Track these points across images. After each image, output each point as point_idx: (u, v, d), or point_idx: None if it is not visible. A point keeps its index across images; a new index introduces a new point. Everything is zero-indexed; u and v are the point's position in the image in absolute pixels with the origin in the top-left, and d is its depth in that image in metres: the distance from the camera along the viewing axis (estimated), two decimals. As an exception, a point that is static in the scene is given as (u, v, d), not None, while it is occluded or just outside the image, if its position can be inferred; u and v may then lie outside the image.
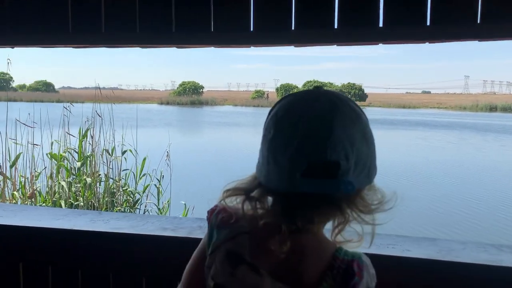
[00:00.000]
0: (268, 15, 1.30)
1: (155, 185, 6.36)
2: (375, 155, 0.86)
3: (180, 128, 27.01)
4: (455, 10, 1.17)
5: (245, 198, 0.87)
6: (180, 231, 1.37)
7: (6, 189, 5.85)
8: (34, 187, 6.07)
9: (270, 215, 0.85)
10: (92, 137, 6.55)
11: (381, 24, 1.22)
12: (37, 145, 6.32)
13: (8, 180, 5.87)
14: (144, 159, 6.50)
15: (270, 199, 0.87)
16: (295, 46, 1.32)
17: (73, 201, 6.07)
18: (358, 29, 1.22)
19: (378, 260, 1.18)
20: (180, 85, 78.40)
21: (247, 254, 0.87)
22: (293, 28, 1.25)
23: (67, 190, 6.09)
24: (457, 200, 9.32)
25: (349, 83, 79.76)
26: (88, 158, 6.46)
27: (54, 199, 6.04)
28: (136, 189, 6.48)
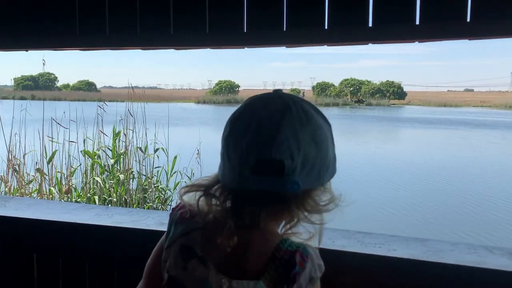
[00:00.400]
0: (261, 15, 1.32)
1: (185, 182, 6.50)
2: (330, 157, 0.89)
3: (214, 126, 27.30)
4: (445, 9, 1.15)
5: (201, 195, 0.91)
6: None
7: (44, 184, 6.13)
8: (70, 183, 6.31)
9: (221, 211, 0.89)
10: (125, 135, 6.78)
11: (370, 24, 1.23)
12: (73, 142, 6.59)
13: (45, 176, 6.15)
14: (175, 157, 6.64)
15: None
16: (286, 47, 1.35)
17: (106, 197, 6.27)
18: (348, 28, 1.23)
19: (362, 258, 1.20)
20: (217, 84, 79.37)
21: (198, 248, 0.91)
22: (284, 29, 1.27)
23: (101, 186, 6.30)
24: (493, 203, 8.95)
25: (387, 81, 78.05)
26: (122, 156, 6.67)
27: (88, 194, 6.26)
28: (167, 186, 6.64)
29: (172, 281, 0.92)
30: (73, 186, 6.40)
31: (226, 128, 0.90)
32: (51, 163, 6.26)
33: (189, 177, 6.51)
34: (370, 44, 1.25)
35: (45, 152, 6.27)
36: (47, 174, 6.21)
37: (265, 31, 1.29)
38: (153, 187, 6.58)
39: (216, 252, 0.89)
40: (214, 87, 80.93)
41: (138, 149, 6.65)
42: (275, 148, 0.81)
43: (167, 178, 6.67)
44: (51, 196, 6.07)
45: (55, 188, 6.14)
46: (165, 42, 1.37)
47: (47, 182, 6.22)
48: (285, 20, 1.28)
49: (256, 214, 0.86)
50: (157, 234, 1.37)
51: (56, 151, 6.34)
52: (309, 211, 0.87)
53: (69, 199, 6.10)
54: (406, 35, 1.20)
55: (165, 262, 0.95)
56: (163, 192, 6.60)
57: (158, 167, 6.73)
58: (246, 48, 1.39)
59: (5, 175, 5.90)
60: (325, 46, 1.29)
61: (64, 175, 6.38)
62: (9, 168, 5.91)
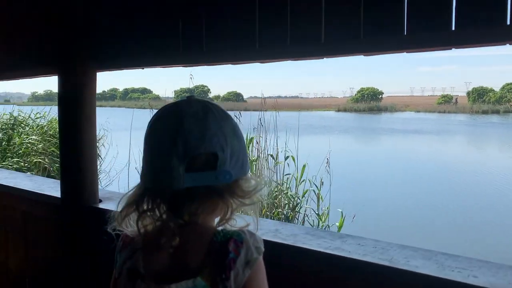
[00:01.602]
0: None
1: (313, 191, 6.54)
2: (246, 149, 0.97)
3: (353, 134, 26.73)
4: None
5: (138, 216, 0.93)
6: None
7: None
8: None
9: (160, 218, 0.91)
10: (257, 143, 7.12)
11: (453, 28, 1.13)
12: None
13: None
14: (304, 165, 6.72)
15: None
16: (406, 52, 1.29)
17: (239, 200, 6.65)
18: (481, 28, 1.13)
19: (430, 281, 1.10)
20: (358, 91, 77.62)
21: (141, 267, 0.93)
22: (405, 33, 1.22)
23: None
24: None
25: (562, 84, 66.60)
26: (254, 162, 7.02)
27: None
28: (296, 193, 6.75)
29: None
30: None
31: (150, 133, 0.93)
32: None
33: (317, 186, 6.52)
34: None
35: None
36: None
37: (381, 37, 1.25)
38: (282, 193, 6.74)
39: (156, 264, 0.92)
40: (355, 94, 79.32)
41: (270, 156, 6.93)
42: (207, 142, 0.87)
43: (296, 186, 6.78)
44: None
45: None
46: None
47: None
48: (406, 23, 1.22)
49: (193, 211, 0.89)
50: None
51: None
52: (241, 196, 0.92)
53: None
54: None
55: None
56: (292, 199, 6.72)
57: (288, 174, 6.87)
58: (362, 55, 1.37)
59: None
60: (452, 49, 1.21)
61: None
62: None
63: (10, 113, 9.70)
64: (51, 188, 2.27)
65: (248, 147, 7.07)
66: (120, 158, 8.11)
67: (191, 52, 1.63)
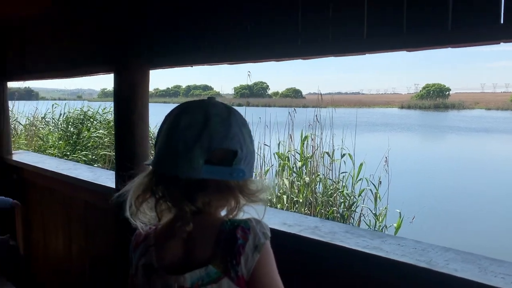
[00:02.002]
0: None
1: (370, 190, 6.39)
2: (255, 156, 1.03)
3: (417, 132, 25.67)
4: None
5: (156, 201, 0.98)
6: (295, 227, 1.50)
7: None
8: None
9: (176, 203, 0.96)
10: (313, 140, 7.06)
11: (502, 21, 1.06)
12: (267, 145, 7.21)
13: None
14: (361, 164, 6.58)
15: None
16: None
17: (294, 197, 6.63)
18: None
19: (467, 286, 1.05)
20: (424, 87, 74.40)
21: (154, 262, 0.99)
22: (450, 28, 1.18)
23: (288, 187, 6.70)
24: None
25: None
26: (309, 159, 6.97)
27: (278, 193, 6.74)
28: (353, 192, 6.63)
29: None
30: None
31: (174, 125, 0.96)
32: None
33: (374, 185, 6.36)
34: None
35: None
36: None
37: (424, 32, 1.21)
38: (338, 192, 6.65)
39: (169, 257, 0.98)
40: (420, 91, 76.09)
41: (325, 154, 6.85)
42: (230, 139, 0.94)
43: (352, 184, 6.65)
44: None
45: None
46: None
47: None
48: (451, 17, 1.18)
49: (207, 200, 0.95)
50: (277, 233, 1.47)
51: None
52: (249, 196, 0.98)
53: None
54: None
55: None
56: (348, 198, 6.60)
57: (344, 172, 6.75)
58: (405, 51, 1.34)
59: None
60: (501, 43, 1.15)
61: (259, 174, 7.02)
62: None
63: (80, 108, 10.36)
64: (108, 179, 2.42)
65: (303, 144, 7.04)
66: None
67: (235, 50, 1.66)
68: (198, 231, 0.95)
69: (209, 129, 0.93)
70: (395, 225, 5.85)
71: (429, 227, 6.99)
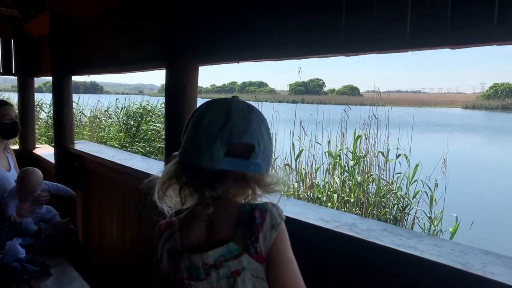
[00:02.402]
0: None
1: (425, 192, 6.18)
2: (272, 152, 1.10)
3: (482, 134, 24.30)
4: None
5: (180, 187, 1.07)
6: (332, 223, 1.51)
7: (291, 177, 6.89)
8: (313, 180, 6.87)
9: (197, 189, 1.05)
10: (366, 139, 6.92)
11: None
12: (318, 143, 7.17)
13: (292, 171, 6.92)
14: (417, 165, 6.36)
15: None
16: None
17: (345, 196, 6.55)
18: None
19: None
20: (491, 87, 70.24)
21: (178, 245, 1.08)
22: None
23: (340, 185, 6.62)
24: None
25: None
26: (362, 159, 6.84)
27: (328, 192, 6.69)
28: (407, 194, 6.43)
29: (173, 285, 1.09)
30: (316, 182, 6.91)
31: (200, 119, 1.06)
32: (298, 160, 7.00)
33: (430, 188, 6.14)
34: None
35: (293, 150, 7.05)
36: (294, 169, 6.97)
37: (470, 29, 1.15)
38: (391, 193, 6.48)
39: (193, 239, 1.07)
40: (487, 90, 71.96)
41: (380, 153, 6.69)
42: (249, 134, 1.02)
43: (407, 186, 6.45)
44: (296, 190, 6.76)
45: (298, 183, 6.83)
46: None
47: (293, 176, 6.96)
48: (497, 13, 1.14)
49: (226, 188, 1.04)
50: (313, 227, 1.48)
51: (302, 150, 7.03)
52: (264, 187, 1.06)
53: (311, 194, 6.67)
54: None
55: (165, 272, 1.11)
56: (402, 200, 6.41)
57: (399, 173, 6.56)
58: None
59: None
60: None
61: (308, 172, 7.00)
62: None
63: (140, 102, 10.84)
64: (160, 170, 2.52)
65: (356, 143, 6.92)
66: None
67: (279, 46, 1.69)
68: (219, 214, 1.04)
69: (230, 124, 1.01)
70: (451, 230, 5.61)
71: (489, 235, 6.63)
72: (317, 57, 1.64)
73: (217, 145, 1.00)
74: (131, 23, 2.65)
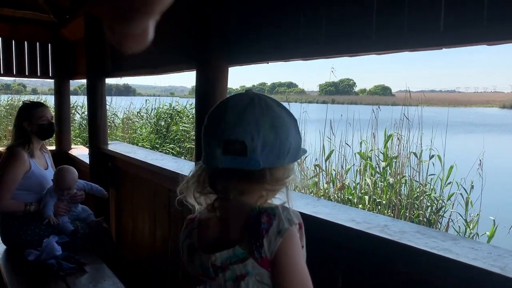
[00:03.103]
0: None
1: (461, 194, 6.00)
2: (290, 143, 1.03)
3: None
4: None
5: (200, 189, 1.08)
6: (363, 224, 1.48)
7: (321, 178, 6.85)
8: (344, 181, 6.79)
9: (208, 191, 1.06)
10: (398, 140, 6.79)
11: None
12: (348, 145, 7.07)
13: (322, 172, 6.87)
14: (451, 166, 6.19)
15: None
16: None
17: (376, 198, 6.45)
18: None
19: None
20: (530, 86, 67.44)
21: (196, 242, 1.10)
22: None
23: (370, 187, 6.52)
24: None
25: None
26: (394, 160, 6.71)
27: (359, 194, 6.60)
28: (441, 196, 6.27)
29: (190, 278, 1.12)
30: (347, 184, 6.83)
31: (206, 120, 1.06)
32: (328, 161, 6.94)
33: (465, 189, 5.96)
34: None
35: (324, 151, 6.99)
36: (324, 170, 6.91)
37: (507, 24, 1.10)
38: (425, 195, 6.33)
39: (207, 238, 1.09)
40: (526, 89, 69.22)
41: (412, 154, 6.54)
42: (238, 130, 0.98)
43: (441, 188, 6.28)
44: (327, 191, 6.70)
45: (328, 184, 6.76)
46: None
47: (324, 178, 6.90)
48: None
49: (231, 188, 1.02)
50: (344, 229, 1.46)
51: (333, 150, 6.96)
52: (270, 184, 1.02)
53: (342, 195, 6.60)
54: None
55: (185, 266, 1.15)
56: (436, 202, 6.26)
57: (433, 174, 6.40)
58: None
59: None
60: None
61: (339, 173, 6.92)
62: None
63: (170, 104, 11.02)
64: (190, 169, 2.56)
65: (387, 143, 6.80)
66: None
67: (307, 45, 1.68)
68: (232, 215, 1.06)
69: (224, 121, 1.00)
70: (488, 233, 5.43)
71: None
72: (348, 56, 1.62)
73: (213, 143, 1.00)
74: (162, 25, 2.68)
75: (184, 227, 1.17)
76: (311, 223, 1.53)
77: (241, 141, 0.98)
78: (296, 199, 1.81)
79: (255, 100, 1.02)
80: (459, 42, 1.27)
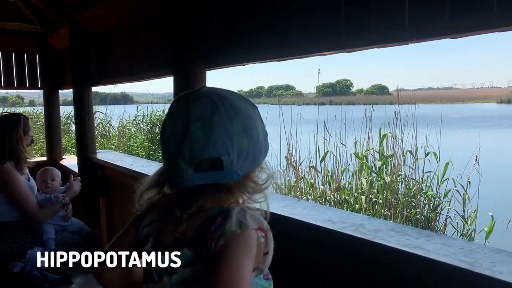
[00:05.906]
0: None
1: (457, 191, 5.98)
2: (261, 140, 0.95)
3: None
4: None
5: (158, 197, 1.01)
6: (339, 224, 1.47)
7: (317, 180, 6.82)
8: (340, 181, 6.76)
9: (172, 205, 0.96)
10: (393, 138, 6.77)
11: None
12: (344, 144, 7.05)
13: (318, 173, 6.84)
14: (447, 163, 6.17)
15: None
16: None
17: (372, 197, 6.42)
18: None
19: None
20: (528, 80, 67.57)
21: (153, 235, 1.00)
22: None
23: (367, 187, 6.49)
24: None
25: None
26: (389, 158, 6.69)
27: (355, 194, 6.57)
28: (437, 193, 6.25)
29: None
30: (343, 184, 6.80)
31: (162, 131, 0.95)
32: (323, 162, 6.91)
33: (462, 186, 5.94)
34: None
35: (318, 152, 6.97)
36: (319, 171, 6.88)
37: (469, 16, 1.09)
38: (421, 192, 6.30)
39: (164, 235, 0.98)
40: (524, 84, 69.37)
41: (408, 152, 6.52)
42: (211, 147, 0.89)
43: (438, 185, 6.26)
44: (323, 192, 6.67)
45: (324, 185, 6.73)
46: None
47: (319, 179, 6.88)
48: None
49: (203, 203, 0.93)
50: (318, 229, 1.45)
51: (328, 151, 6.94)
52: (251, 192, 0.96)
53: (338, 196, 6.57)
54: None
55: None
56: (432, 199, 6.23)
57: (429, 172, 6.38)
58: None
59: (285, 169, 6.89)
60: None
61: (334, 174, 6.89)
62: (288, 164, 6.86)
63: (162, 110, 11.02)
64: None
65: (381, 142, 6.78)
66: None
67: (281, 46, 1.67)
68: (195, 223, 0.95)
69: (189, 138, 0.89)
70: (486, 229, 5.41)
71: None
72: (317, 55, 1.61)
73: (182, 165, 0.90)
74: (141, 32, 2.69)
75: (143, 214, 1.05)
76: (288, 224, 1.53)
77: (217, 158, 0.90)
78: (276, 201, 1.80)
79: (219, 107, 0.91)
80: (424, 36, 1.26)
